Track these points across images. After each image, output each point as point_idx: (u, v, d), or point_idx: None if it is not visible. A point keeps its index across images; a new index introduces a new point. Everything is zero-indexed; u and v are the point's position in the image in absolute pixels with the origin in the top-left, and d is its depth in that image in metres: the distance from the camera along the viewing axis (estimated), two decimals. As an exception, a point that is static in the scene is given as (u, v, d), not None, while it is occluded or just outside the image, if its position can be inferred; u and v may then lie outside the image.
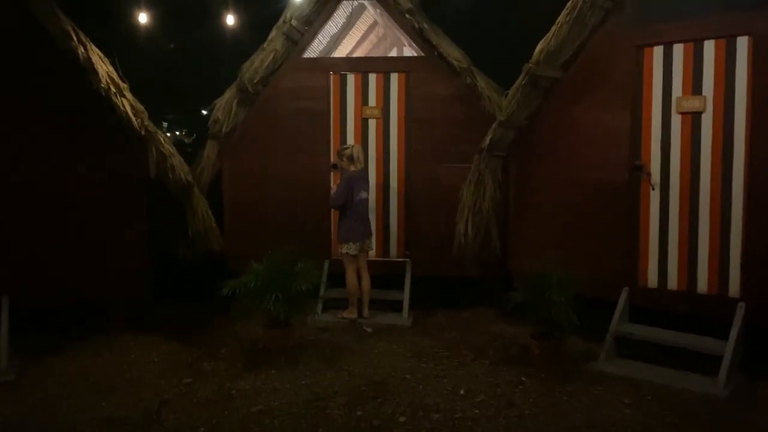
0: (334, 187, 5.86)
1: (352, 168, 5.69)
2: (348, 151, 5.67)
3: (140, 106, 4.91)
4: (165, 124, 11.40)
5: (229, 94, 6.11)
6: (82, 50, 4.60)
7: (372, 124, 6.22)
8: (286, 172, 6.28)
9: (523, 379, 4.54)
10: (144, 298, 5.51)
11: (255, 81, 6.05)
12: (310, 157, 6.24)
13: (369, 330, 5.69)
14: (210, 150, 6.11)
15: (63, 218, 5.02)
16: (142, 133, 4.83)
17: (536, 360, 4.81)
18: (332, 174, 6.27)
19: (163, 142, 4.99)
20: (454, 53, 5.97)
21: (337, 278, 6.03)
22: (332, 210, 6.00)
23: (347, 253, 5.71)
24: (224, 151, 6.28)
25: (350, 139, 6.24)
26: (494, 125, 5.47)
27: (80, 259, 5.08)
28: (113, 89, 4.72)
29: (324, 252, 6.24)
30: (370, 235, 5.92)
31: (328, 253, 6.22)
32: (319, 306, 5.96)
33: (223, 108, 6.03)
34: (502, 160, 5.67)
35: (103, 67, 4.74)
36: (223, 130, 6.08)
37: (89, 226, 5.11)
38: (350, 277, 5.77)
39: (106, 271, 5.20)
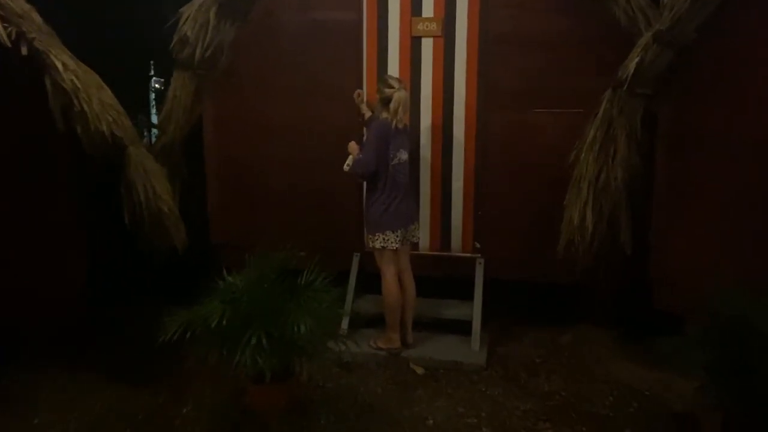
0: (353, 154, 3.65)
1: (387, 116, 3.53)
2: (388, 93, 3.49)
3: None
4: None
5: (204, -3, 3.96)
6: None
7: (427, 46, 3.98)
8: (297, 122, 4.17)
9: None
10: (80, 316, 3.61)
11: (246, -23, 3.89)
12: (331, 98, 4.09)
13: (420, 372, 3.66)
14: (178, 86, 4.02)
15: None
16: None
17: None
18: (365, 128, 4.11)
19: (65, 66, 2.91)
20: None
21: (372, 280, 3.96)
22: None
23: (384, 248, 3.61)
24: (204, 91, 4.18)
25: (392, 69, 4.03)
26: (643, 40, 3.17)
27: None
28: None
29: (351, 241, 4.17)
30: (415, 218, 3.80)
31: (358, 242, 4.14)
32: (345, 324, 3.94)
33: (194, 19, 3.88)
34: (645, 103, 3.38)
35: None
36: (197, 55, 3.95)
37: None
38: (389, 284, 3.69)
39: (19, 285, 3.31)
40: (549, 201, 3.83)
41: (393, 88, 3.51)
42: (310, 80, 4.11)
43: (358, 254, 4.19)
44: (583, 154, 3.37)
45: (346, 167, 3.58)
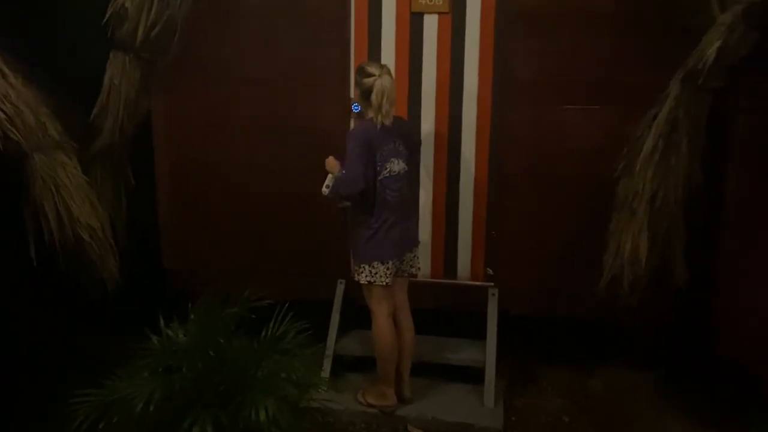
0: (333, 172, 2.85)
1: (371, 116, 2.73)
2: (367, 83, 2.69)
3: None
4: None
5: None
6: None
7: (430, 24, 3.18)
8: (268, 120, 3.37)
9: None
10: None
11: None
12: (311, 90, 3.29)
13: (419, 439, 2.91)
14: (117, 72, 3.19)
15: None
16: None
17: None
18: (351, 121, 3.31)
19: None
20: None
21: (362, 311, 3.18)
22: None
23: (372, 283, 2.83)
24: (153, 81, 3.36)
25: (387, 55, 3.22)
26: (727, 18, 2.39)
27: None
28: None
29: (335, 264, 3.39)
30: (414, 244, 3.01)
31: (344, 266, 3.37)
32: (326, 369, 3.19)
33: (133, -11, 3.05)
34: (713, 100, 2.61)
35: None
36: (140, 34, 3.12)
37: None
38: (381, 328, 2.92)
39: None
40: (580, 220, 3.09)
41: (373, 75, 2.71)
42: (285, 68, 3.30)
43: (344, 281, 3.42)
44: (638, 167, 2.58)
45: (325, 190, 2.80)
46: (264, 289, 2.40)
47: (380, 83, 2.70)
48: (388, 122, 2.76)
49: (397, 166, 2.84)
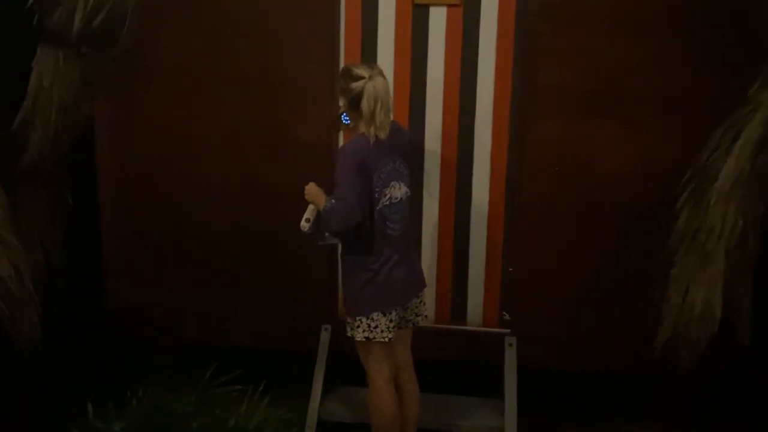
0: (317, 203, 2.26)
1: (363, 130, 2.16)
2: (355, 88, 2.13)
3: None
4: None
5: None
6: None
7: (437, 19, 2.63)
8: (238, 131, 2.77)
9: None
10: None
11: None
12: (290, 96, 2.71)
13: None
14: (47, 71, 2.55)
15: None
16: None
17: None
18: (341, 134, 2.75)
19: None
20: None
21: (353, 362, 2.57)
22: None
23: (369, 339, 2.24)
24: (95, 83, 2.72)
25: (384, 56, 2.66)
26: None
27: None
28: None
29: (318, 306, 2.80)
30: (420, 286, 2.42)
31: (329, 308, 2.78)
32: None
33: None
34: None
35: None
36: (77, 24, 2.49)
37: None
38: (380, 395, 2.33)
39: None
40: (616, 256, 2.57)
41: (361, 78, 2.15)
42: (258, 70, 2.72)
43: (329, 327, 2.83)
44: (714, 198, 2.06)
45: (304, 224, 2.22)
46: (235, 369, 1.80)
47: (371, 87, 2.13)
48: (384, 135, 2.19)
49: (398, 191, 2.28)
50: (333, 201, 2.13)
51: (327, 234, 2.22)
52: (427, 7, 2.61)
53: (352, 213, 2.11)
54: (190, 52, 2.73)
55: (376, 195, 2.20)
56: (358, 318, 2.24)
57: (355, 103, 2.16)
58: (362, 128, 2.19)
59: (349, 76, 2.18)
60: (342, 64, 2.66)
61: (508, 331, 2.76)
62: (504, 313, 2.79)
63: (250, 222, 2.82)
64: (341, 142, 2.71)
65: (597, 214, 2.62)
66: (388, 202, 2.24)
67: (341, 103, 2.23)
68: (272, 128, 2.74)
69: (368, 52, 2.68)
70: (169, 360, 2.79)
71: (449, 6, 2.59)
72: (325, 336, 2.83)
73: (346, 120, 2.45)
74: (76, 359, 2.95)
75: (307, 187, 2.26)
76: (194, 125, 2.79)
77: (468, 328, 2.83)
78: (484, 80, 2.64)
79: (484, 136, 2.68)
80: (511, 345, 2.73)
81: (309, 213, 2.23)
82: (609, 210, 2.60)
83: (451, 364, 2.84)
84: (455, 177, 2.73)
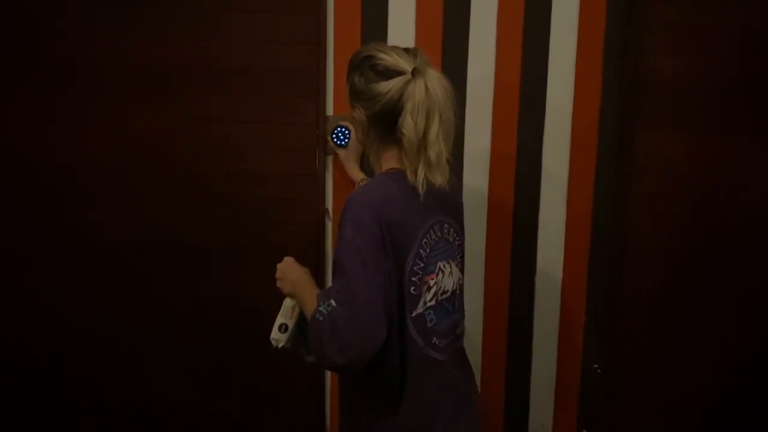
0: (303, 297, 1.20)
1: (395, 166, 1.16)
2: (391, 90, 1.11)
3: None
4: None
5: None
6: None
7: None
8: (173, 159, 1.72)
9: None
10: None
11: None
12: (265, 103, 1.70)
13: None
14: None
15: None
16: None
17: None
18: (329, 163, 1.73)
19: None
20: None
21: None
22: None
23: None
24: None
25: (398, 39, 1.68)
26: None
27: None
28: None
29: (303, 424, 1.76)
30: (474, 423, 1.30)
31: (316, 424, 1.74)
32: None
33: None
34: None
35: None
36: None
37: None
38: None
39: None
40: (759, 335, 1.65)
41: (401, 73, 1.12)
42: (204, 63, 1.70)
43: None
44: None
45: (277, 336, 1.20)
46: None
47: (421, 89, 1.11)
48: (442, 181, 1.17)
49: (449, 279, 1.24)
50: (332, 303, 1.08)
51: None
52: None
53: (373, 329, 1.05)
54: (92, 42, 1.69)
55: (413, 289, 1.17)
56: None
57: (384, 118, 1.15)
58: (393, 162, 1.18)
59: (374, 68, 1.16)
60: (332, 54, 1.67)
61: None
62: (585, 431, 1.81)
63: (197, 302, 1.76)
64: (330, 176, 1.71)
65: (729, 271, 1.71)
66: (433, 301, 1.20)
67: (355, 115, 1.20)
68: (224, 159, 1.71)
69: (372, 31, 1.70)
70: None
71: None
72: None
73: (343, 140, 1.49)
74: None
75: (280, 267, 1.23)
76: (99, 146, 1.73)
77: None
78: (557, 75, 1.69)
79: (559, 160, 1.73)
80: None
81: (283, 316, 1.19)
82: (746, 267, 1.69)
83: None
84: (510, 230, 1.76)
